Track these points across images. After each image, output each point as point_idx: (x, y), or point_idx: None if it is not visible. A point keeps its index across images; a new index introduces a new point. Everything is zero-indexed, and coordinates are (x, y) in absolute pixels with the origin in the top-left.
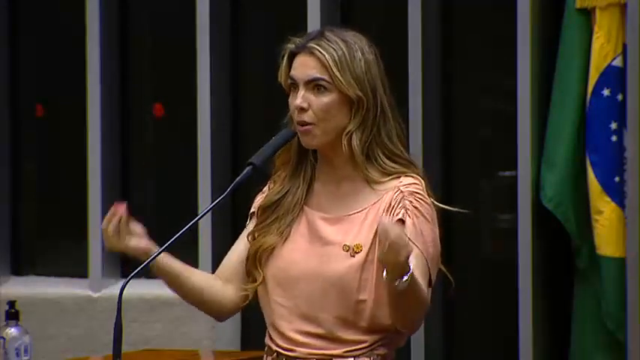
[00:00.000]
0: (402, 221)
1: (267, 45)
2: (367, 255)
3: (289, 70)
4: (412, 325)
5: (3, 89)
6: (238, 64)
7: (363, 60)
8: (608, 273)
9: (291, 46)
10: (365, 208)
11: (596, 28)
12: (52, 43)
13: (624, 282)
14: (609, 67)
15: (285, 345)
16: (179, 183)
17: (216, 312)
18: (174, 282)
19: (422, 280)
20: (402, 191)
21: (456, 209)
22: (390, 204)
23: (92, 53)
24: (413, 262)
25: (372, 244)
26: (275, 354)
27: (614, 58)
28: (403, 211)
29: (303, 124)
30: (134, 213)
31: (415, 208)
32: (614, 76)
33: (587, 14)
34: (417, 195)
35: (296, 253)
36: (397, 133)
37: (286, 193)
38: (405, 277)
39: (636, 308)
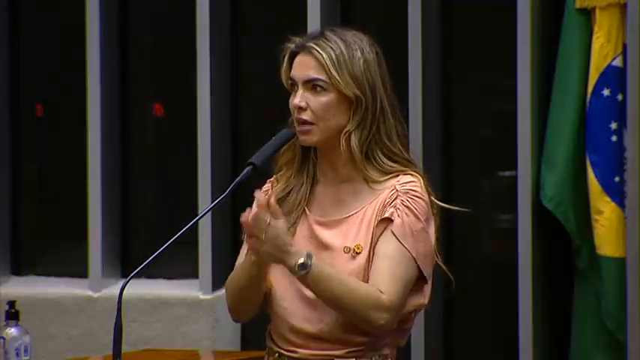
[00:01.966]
0: (389, 220)
1: (267, 45)
2: (368, 255)
3: (290, 70)
4: (364, 323)
5: (3, 89)
6: (238, 64)
7: (363, 59)
8: (608, 273)
9: (291, 45)
10: (362, 208)
11: (596, 28)
12: (52, 43)
13: (624, 282)
14: (609, 67)
15: (286, 346)
16: (179, 183)
17: (247, 313)
18: (257, 278)
19: (390, 280)
20: (397, 190)
21: (456, 208)
22: (384, 203)
23: (92, 53)
24: (381, 262)
25: (371, 243)
26: (277, 354)
27: (614, 58)
28: (392, 209)
29: (303, 122)
30: (134, 213)
31: (406, 207)
32: (614, 76)
33: (587, 14)
34: (412, 193)
35: None
36: (397, 132)
37: (290, 191)
38: (300, 260)
39: (636, 308)
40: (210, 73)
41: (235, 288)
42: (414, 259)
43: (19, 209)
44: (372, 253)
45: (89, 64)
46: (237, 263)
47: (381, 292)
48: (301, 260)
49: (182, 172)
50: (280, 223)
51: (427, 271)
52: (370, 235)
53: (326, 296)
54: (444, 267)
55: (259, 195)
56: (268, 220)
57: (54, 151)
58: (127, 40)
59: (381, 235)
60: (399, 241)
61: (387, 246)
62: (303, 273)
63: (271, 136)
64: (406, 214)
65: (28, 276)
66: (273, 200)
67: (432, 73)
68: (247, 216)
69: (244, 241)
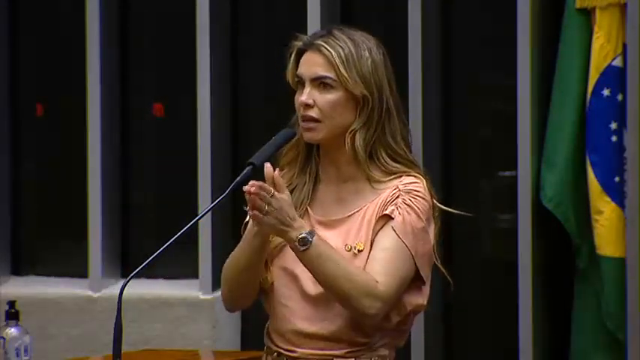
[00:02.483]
0: (389, 217)
1: (267, 45)
2: (369, 253)
3: (296, 68)
4: (356, 311)
5: (3, 89)
6: (238, 64)
7: (371, 59)
8: (608, 273)
9: (298, 43)
10: (364, 207)
11: (596, 28)
12: (52, 43)
13: (624, 282)
14: (609, 67)
15: (285, 346)
16: (179, 183)
17: (242, 300)
18: (258, 252)
19: (387, 270)
20: (399, 189)
21: (458, 212)
22: (385, 201)
23: (92, 53)
24: (378, 253)
25: (372, 241)
26: (275, 354)
27: (614, 58)
28: (393, 207)
29: (309, 119)
30: (134, 213)
31: (408, 205)
32: (614, 76)
33: (587, 14)
34: (414, 193)
35: None
36: (401, 133)
37: (293, 190)
38: (302, 235)
39: (636, 308)
40: (210, 73)
41: (233, 270)
42: (412, 256)
43: (19, 209)
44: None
45: (89, 64)
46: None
47: (377, 281)
48: (302, 235)
49: (182, 172)
50: (284, 197)
51: (425, 272)
52: (371, 232)
53: (322, 276)
54: (442, 269)
55: (268, 167)
56: (272, 192)
57: (54, 151)
58: (127, 40)
59: (380, 230)
60: (398, 237)
61: (386, 240)
62: (302, 248)
63: (271, 136)
64: (407, 212)
65: (28, 276)
66: (277, 174)
67: (432, 73)
68: (251, 186)
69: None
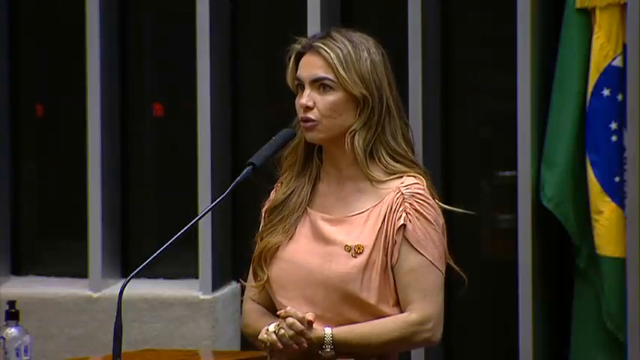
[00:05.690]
0: (404, 226)
1: (267, 45)
2: (369, 256)
3: (296, 71)
4: (418, 346)
5: (3, 89)
6: (238, 64)
7: (369, 59)
8: (608, 273)
9: (297, 46)
10: (366, 210)
11: (596, 28)
12: (52, 43)
13: (624, 282)
14: (609, 67)
15: None
16: (179, 183)
17: None
18: None
19: (419, 292)
20: (402, 193)
21: (460, 210)
22: (392, 207)
23: (92, 53)
24: (407, 277)
25: (374, 245)
26: None
27: (614, 58)
28: (404, 215)
29: (309, 121)
30: (134, 213)
31: (416, 210)
32: (614, 76)
33: (587, 14)
34: (418, 196)
35: (298, 255)
36: (402, 133)
37: (292, 193)
38: (325, 349)
39: (636, 308)
40: (210, 73)
41: (252, 338)
42: (434, 265)
43: (19, 209)
44: (378, 258)
45: (89, 65)
46: (246, 292)
47: (409, 310)
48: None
49: (182, 172)
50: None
51: (443, 270)
52: (374, 237)
53: (366, 355)
54: (456, 267)
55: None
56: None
57: (54, 151)
58: (127, 40)
59: (399, 245)
60: (416, 250)
61: (408, 260)
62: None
63: (271, 136)
64: (417, 218)
65: (28, 276)
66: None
67: (432, 73)
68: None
69: (251, 266)
